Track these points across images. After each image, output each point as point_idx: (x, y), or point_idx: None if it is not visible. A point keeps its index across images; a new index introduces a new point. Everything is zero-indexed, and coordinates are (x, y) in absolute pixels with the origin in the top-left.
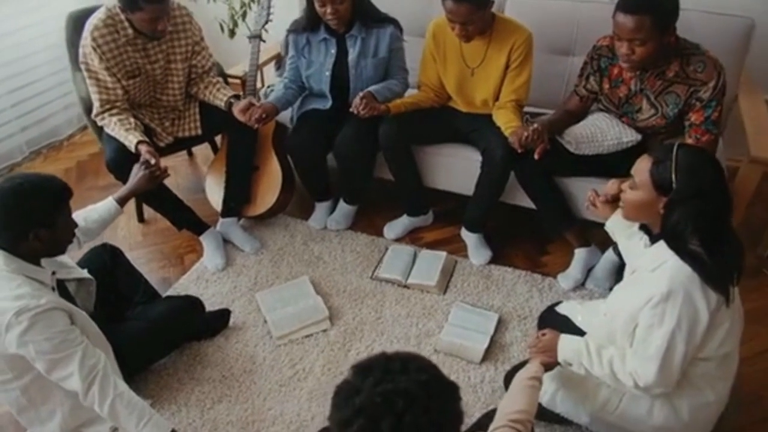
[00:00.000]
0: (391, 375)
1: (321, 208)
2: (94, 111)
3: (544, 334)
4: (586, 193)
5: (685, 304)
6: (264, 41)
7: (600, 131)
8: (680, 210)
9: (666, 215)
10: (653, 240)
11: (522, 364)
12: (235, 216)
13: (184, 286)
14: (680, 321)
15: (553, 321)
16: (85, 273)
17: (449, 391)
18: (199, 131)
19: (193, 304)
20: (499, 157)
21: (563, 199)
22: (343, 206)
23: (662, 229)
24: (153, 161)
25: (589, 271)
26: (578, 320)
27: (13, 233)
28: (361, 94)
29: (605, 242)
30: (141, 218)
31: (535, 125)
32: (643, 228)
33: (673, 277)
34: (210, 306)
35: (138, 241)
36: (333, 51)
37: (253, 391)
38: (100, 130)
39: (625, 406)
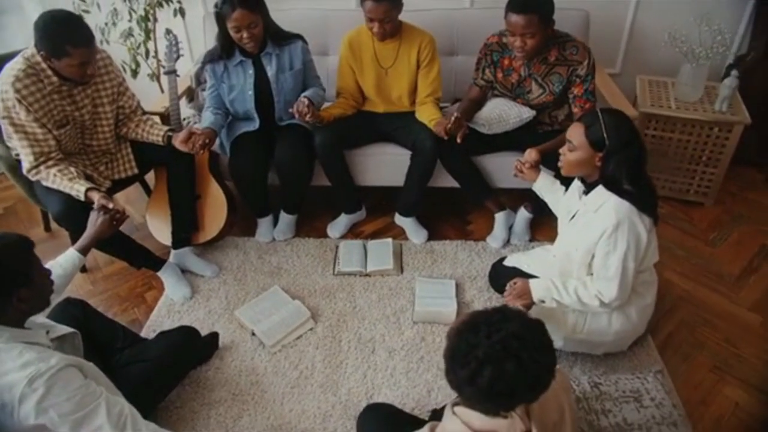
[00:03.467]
0: (497, 325)
1: (264, 223)
2: (27, 166)
3: (515, 283)
4: (499, 166)
5: (630, 231)
6: (179, 76)
7: (504, 112)
8: (614, 160)
9: (603, 166)
10: (589, 187)
11: None
12: (186, 246)
13: (157, 322)
14: (629, 244)
15: (505, 273)
16: (66, 328)
17: (541, 326)
18: (136, 170)
19: (189, 333)
20: (428, 148)
21: (481, 175)
22: (285, 217)
23: (601, 177)
24: (110, 206)
25: (509, 229)
26: (525, 268)
27: None
28: (302, 98)
29: (515, 205)
30: (83, 268)
31: (455, 114)
32: (568, 180)
33: (618, 212)
34: None
35: (89, 291)
36: (251, 71)
37: (267, 399)
38: (29, 185)
39: (590, 324)
